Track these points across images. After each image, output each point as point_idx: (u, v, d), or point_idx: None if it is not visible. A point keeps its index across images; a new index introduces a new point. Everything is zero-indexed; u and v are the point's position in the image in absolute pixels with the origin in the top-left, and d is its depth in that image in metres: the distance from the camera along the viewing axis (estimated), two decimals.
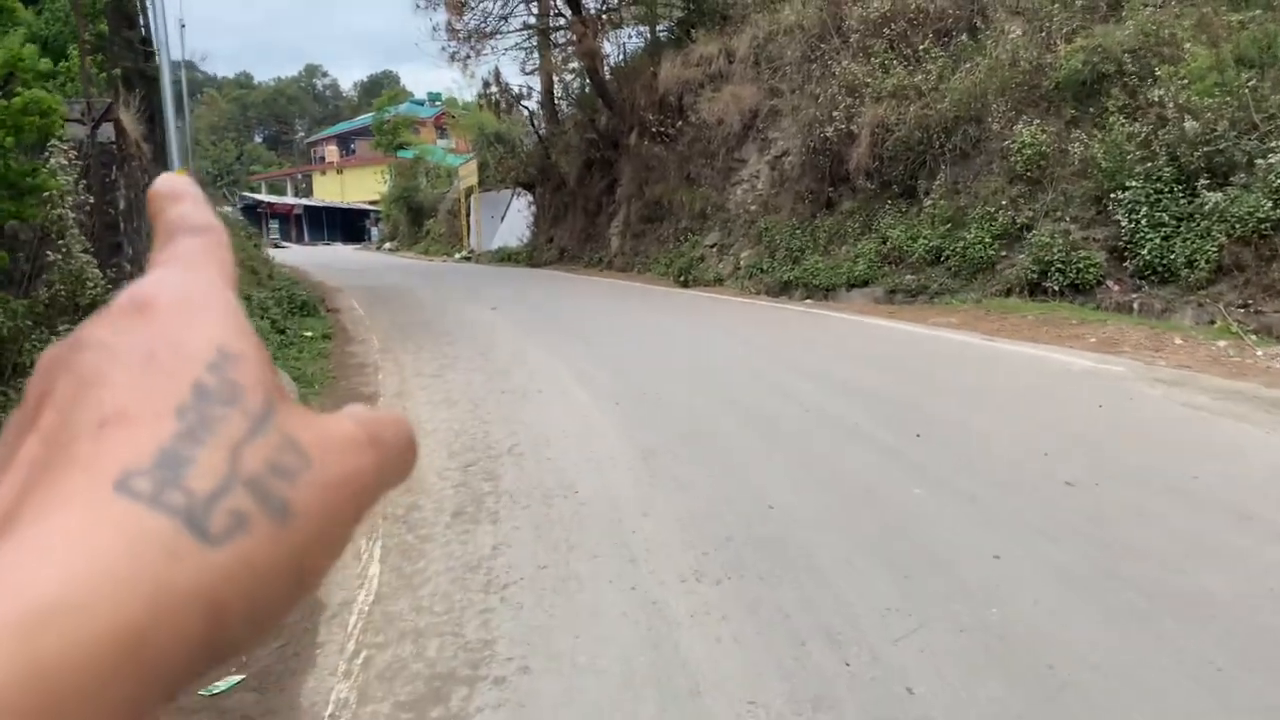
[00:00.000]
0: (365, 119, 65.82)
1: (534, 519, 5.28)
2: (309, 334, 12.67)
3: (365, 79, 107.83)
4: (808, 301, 14.26)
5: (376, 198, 56.21)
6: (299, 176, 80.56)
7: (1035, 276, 11.83)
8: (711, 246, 18.40)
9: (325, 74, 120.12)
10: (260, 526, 0.25)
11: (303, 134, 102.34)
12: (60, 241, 6.98)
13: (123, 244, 8.76)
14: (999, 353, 9.09)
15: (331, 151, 78.77)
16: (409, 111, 61.59)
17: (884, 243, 13.86)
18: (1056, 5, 13.58)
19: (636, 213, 21.81)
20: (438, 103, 61.91)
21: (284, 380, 0.36)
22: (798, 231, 15.68)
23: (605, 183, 23.93)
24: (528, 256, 28.19)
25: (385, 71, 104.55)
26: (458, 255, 37.33)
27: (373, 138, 60.05)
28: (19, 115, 6.01)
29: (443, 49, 23.03)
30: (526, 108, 26.01)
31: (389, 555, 4.92)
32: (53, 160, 7.03)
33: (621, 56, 24.28)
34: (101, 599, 0.22)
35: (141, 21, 15.39)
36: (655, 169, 21.13)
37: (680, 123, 20.02)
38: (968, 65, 13.97)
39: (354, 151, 74.41)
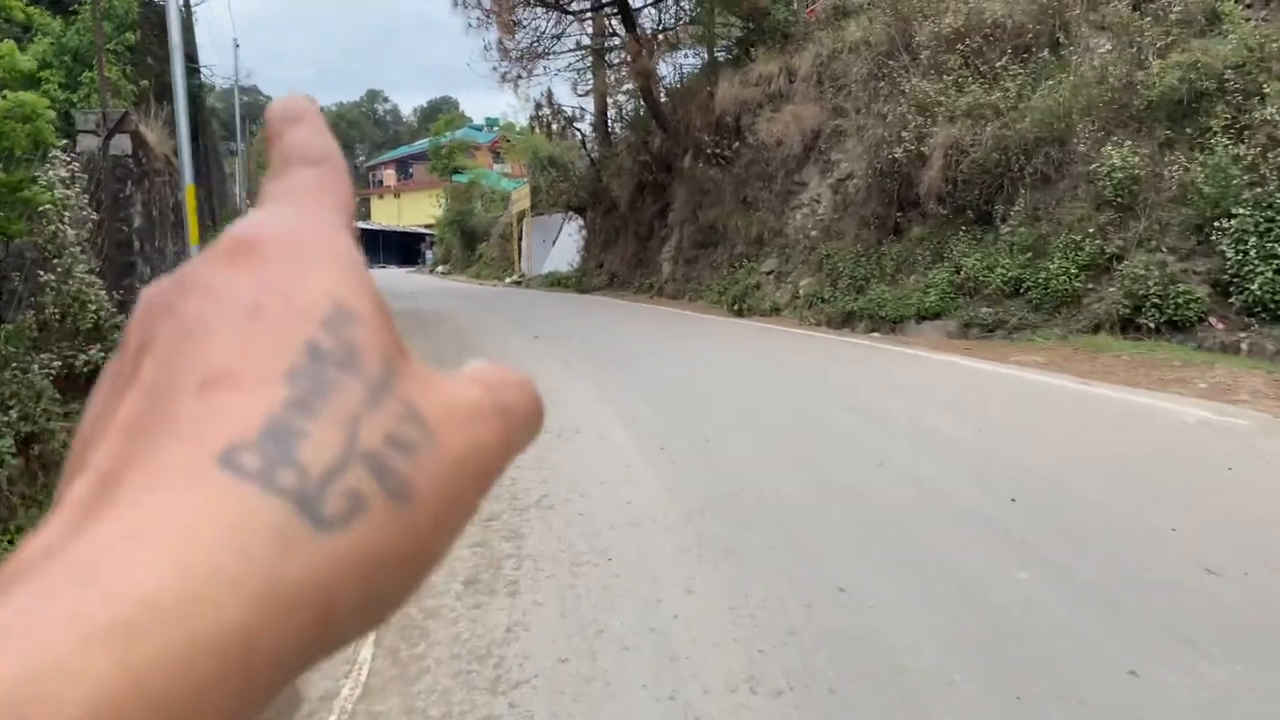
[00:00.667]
0: (423, 144, 66.20)
1: (558, 592, 4.46)
2: None
3: (425, 104, 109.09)
4: (874, 335, 13.27)
5: (432, 221, 56.30)
6: (357, 200, 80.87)
7: (1127, 312, 10.75)
8: (768, 274, 17.51)
9: (386, 99, 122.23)
10: (378, 509, 0.23)
11: (363, 158, 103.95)
12: (56, 261, 6.36)
13: (136, 264, 8.16)
14: (1096, 399, 8.04)
15: (389, 175, 79.59)
16: (466, 137, 61.78)
17: (957, 272, 12.86)
18: (1148, 19, 12.53)
19: (689, 238, 21.00)
20: (495, 128, 62.13)
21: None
22: (862, 259, 14.73)
23: (657, 206, 23.19)
24: (577, 282, 27.54)
25: (444, 97, 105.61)
26: (508, 279, 36.89)
27: (429, 162, 60.28)
28: (1, 121, 5.39)
29: (494, 69, 22.55)
30: (579, 130, 25.47)
31: (386, 633, 4.12)
32: (52, 172, 6.42)
33: (677, 77, 23.63)
34: (206, 598, 0.20)
35: (169, 37, 15.05)
36: (710, 192, 20.33)
37: (737, 144, 19.22)
38: (1050, 83, 12.96)
39: (411, 176, 75.03)
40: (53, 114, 5.93)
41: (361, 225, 70.82)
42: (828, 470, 6.18)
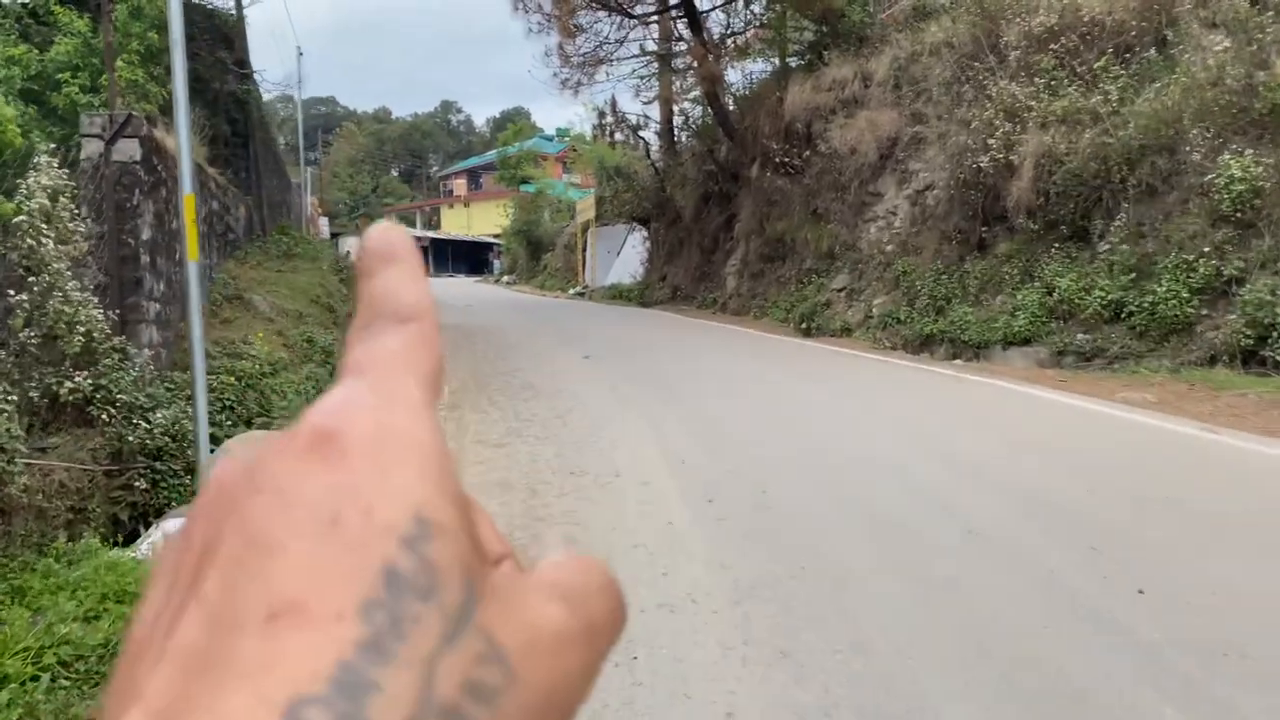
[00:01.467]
0: (494, 154, 66.25)
1: None
2: None
3: (497, 114, 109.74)
4: (956, 362, 12.09)
5: (500, 231, 56.17)
6: (428, 209, 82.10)
7: (1250, 343, 9.46)
8: (839, 290, 16.41)
9: (460, 110, 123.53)
10: None
11: (436, 168, 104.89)
12: (33, 279, 5.68)
13: (143, 280, 7.50)
14: (1227, 451, 6.84)
15: (460, 185, 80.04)
16: (536, 147, 61.59)
17: (1049, 293, 11.63)
18: (1269, 15, 11.18)
19: (756, 251, 19.98)
20: (565, 138, 61.93)
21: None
22: (943, 277, 13.55)
23: (723, 218, 22.22)
24: (639, 295, 26.69)
25: (517, 107, 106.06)
26: (571, 291, 36.25)
27: (497, 171, 60.19)
28: None
29: (554, 74, 21.88)
30: (643, 138, 24.67)
31: None
32: (33, 179, 5.75)
33: (746, 83, 22.65)
34: None
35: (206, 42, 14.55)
36: (778, 203, 19.30)
37: (808, 153, 18.16)
38: (1156, 85, 11.68)
39: (481, 186, 75.31)
40: (10, 113, 5.23)
41: (431, 235, 71.53)
42: (909, 542, 5.16)
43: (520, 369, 11.92)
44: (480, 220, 69.46)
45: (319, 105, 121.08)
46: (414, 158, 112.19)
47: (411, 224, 78.96)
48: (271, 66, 31.07)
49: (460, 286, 44.41)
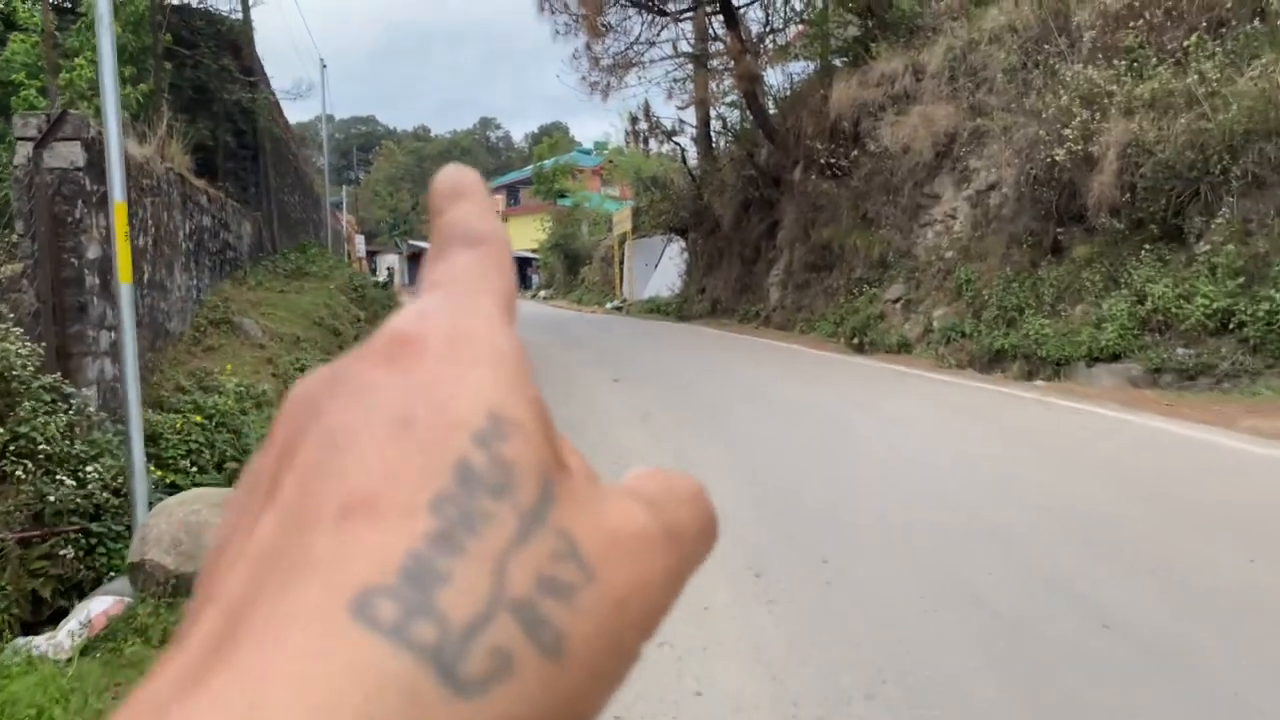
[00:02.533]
0: (531, 169, 65.56)
1: None
2: None
3: (535, 129, 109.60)
4: (1036, 383, 10.64)
5: (537, 245, 55.34)
6: None
7: None
8: (894, 302, 15.02)
9: (498, 126, 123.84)
10: (528, 668, 0.20)
11: None
12: None
13: (88, 306, 6.42)
14: None
15: (498, 201, 79.49)
16: (573, 160, 60.75)
17: (1140, 302, 10.18)
18: None
19: (800, 260, 18.64)
20: (602, 152, 61.13)
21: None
22: (1013, 285, 12.12)
23: (764, 226, 20.91)
24: (678, 309, 25.46)
25: (555, 122, 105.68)
26: (609, 305, 35.13)
27: (534, 185, 59.41)
28: None
29: (582, 78, 20.76)
30: (678, 144, 23.43)
31: None
32: None
33: (787, 83, 21.35)
34: None
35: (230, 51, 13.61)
36: (824, 209, 17.96)
37: (856, 153, 16.82)
38: (1261, 61, 10.21)
39: (519, 201, 74.85)
40: None
41: None
42: (1023, 640, 3.84)
43: (546, 394, 10.71)
44: (518, 235, 68.69)
45: (359, 124, 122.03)
46: None
47: None
48: (291, 80, 30.28)
49: None
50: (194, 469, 7.03)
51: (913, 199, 15.64)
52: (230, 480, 7.05)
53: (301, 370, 9.61)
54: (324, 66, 29.82)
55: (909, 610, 4.20)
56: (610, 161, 47.30)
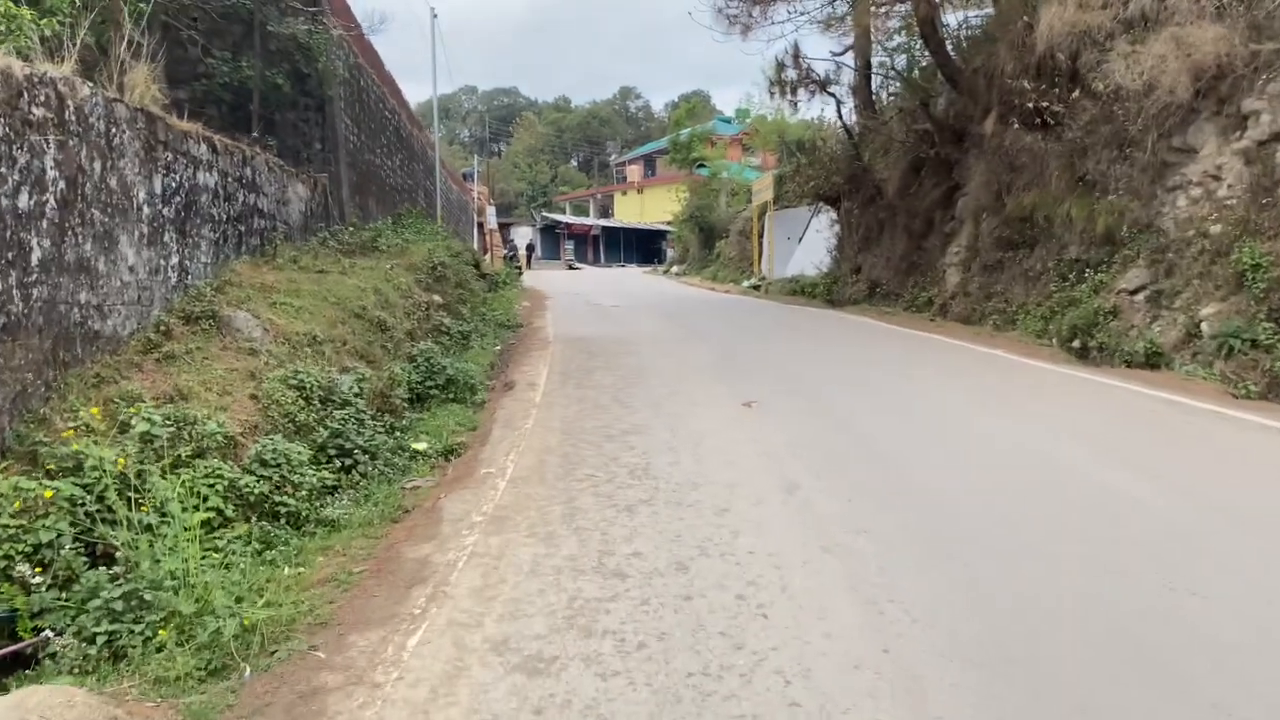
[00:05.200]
0: (668, 139, 62.33)
1: None
2: (421, 445, 7.22)
3: (676, 99, 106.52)
4: None
5: (672, 217, 52.14)
6: (600, 196, 79.52)
7: None
8: (1132, 293, 11.05)
9: (638, 96, 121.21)
10: None
11: (614, 155, 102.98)
12: None
13: None
14: None
15: (634, 171, 77.09)
16: (713, 128, 57.06)
17: None
18: None
19: (990, 234, 14.72)
20: (745, 120, 57.50)
21: None
22: None
23: (940, 192, 17.00)
24: (826, 290, 21.75)
25: (696, 91, 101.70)
26: (745, 283, 31.61)
27: (670, 154, 56.08)
28: None
29: (719, 10, 17.27)
30: (833, 94, 19.68)
31: None
32: None
33: (973, 19, 17.23)
34: None
35: None
36: (1024, 169, 14.01)
37: (1074, 95, 12.81)
38: None
39: (655, 172, 71.91)
40: None
41: (602, 223, 68.66)
42: None
43: (641, 426, 7.48)
44: (653, 207, 65.89)
45: (501, 96, 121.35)
46: (592, 146, 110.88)
47: (585, 212, 76.32)
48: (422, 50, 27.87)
49: (623, 279, 40.61)
50: (40, 585, 4.21)
51: (1157, 154, 11.56)
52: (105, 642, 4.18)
53: (300, 389, 6.72)
54: (434, 15, 27.27)
55: None
56: (754, 129, 43.58)
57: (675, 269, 46.29)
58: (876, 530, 4.86)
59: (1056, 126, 13.36)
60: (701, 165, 49.28)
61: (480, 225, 48.19)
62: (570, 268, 55.77)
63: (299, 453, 5.95)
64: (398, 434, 7.51)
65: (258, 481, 5.48)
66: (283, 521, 5.48)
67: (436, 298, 12.31)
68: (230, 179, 9.04)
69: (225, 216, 8.86)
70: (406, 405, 8.16)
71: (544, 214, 71.23)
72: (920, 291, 16.92)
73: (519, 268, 38.43)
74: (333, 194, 13.11)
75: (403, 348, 9.20)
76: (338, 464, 6.39)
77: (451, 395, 8.84)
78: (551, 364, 11.07)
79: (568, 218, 69.59)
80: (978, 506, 5.23)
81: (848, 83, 20.25)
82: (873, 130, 20.17)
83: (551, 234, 65.96)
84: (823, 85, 19.61)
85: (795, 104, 20.30)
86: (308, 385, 6.75)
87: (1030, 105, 13.10)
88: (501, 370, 11.04)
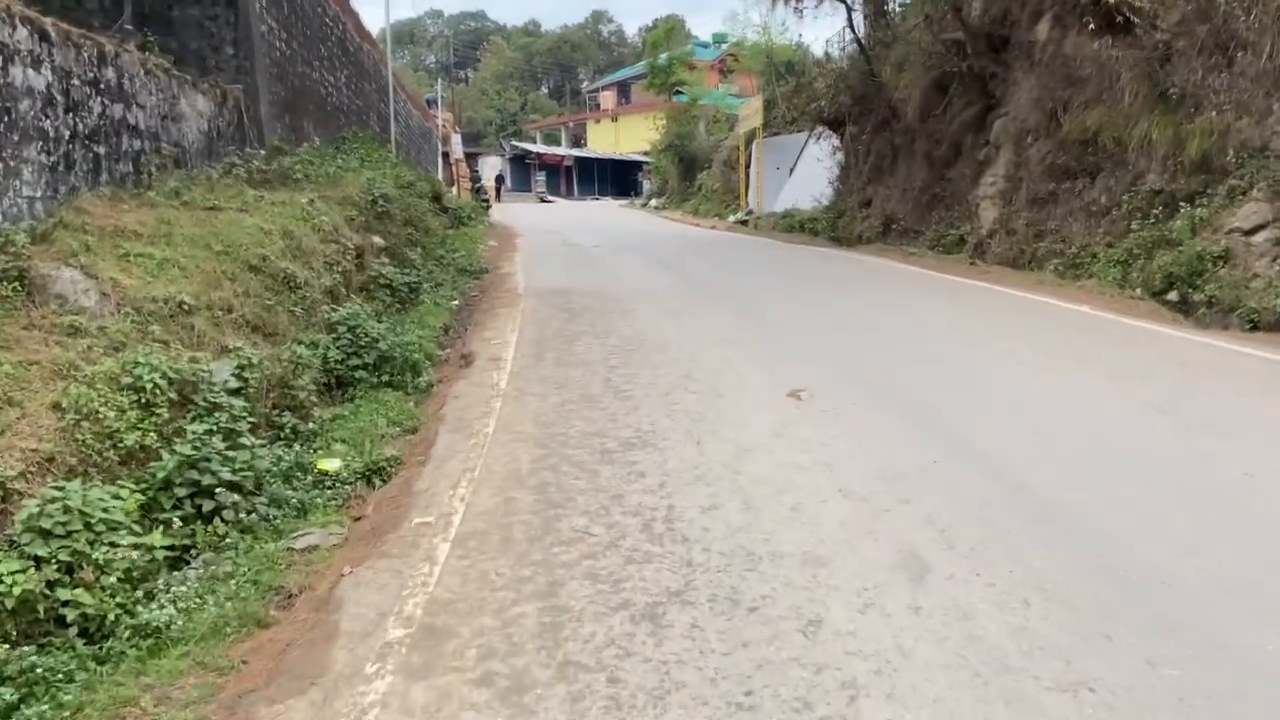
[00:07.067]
0: (644, 65, 59.04)
1: None
2: (331, 464, 4.97)
3: (650, 23, 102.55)
4: None
5: (649, 147, 49.32)
6: (573, 125, 76.21)
7: None
8: (1247, 233, 8.87)
9: (611, 20, 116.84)
10: None
11: (586, 82, 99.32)
12: None
13: None
14: None
15: (608, 99, 73.93)
16: (691, 53, 53.85)
17: None
18: None
19: (1040, 160, 12.43)
20: (721, 45, 54.42)
21: None
22: None
23: (972, 112, 14.65)
24: (829, 226, 19.43)
25: (671, 15, 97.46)
26: (731, 218, 29.24)
27: (647, 79, 52.96)
28: None
29: None
30: (843, 1, 17.06)
31: None
32: None
33: None
34: None
35: None
36: (1085, 82, 11.71)
37: None
38: None
39: (630, 100, 68.73)
40: None
41: (575, 153, 65.51)
42: None
43: (649, 433, 5.25)
44: (629, 137, 62.92)
45: (468, 20, 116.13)
46: (563, 71, 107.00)
47: (556, 141, 72.92)
48: None
49: (599, 213, 38.01)
50: None
51: (1275, 60, 9.32)
52: None
53: (137, 390, 4.43)
54: None
55: None
56: (735, 53, 40.71)
57: (654, 202, 43.71)
58: (1126, 690, 2.71)
59: (1124, 32, 11.05)
60: (679, 92, 46.40)
61: (445, 155, 45.21)
62: (542, 200, 52.93)
63: (115, 504, 3.70)
64: (299, 444, 5.25)
65: (24, 571, 3.25)
66: (71, 636, 3.27)
67: (377, 239, 9.90)
68: (77, 81, 6.56)
69: (69, 133, 6.42)
70: (317, 398, 5.88)
71: (514, 143, 67.95)
72: (947, 229, 14.67)
73: (486, 201, 35.77)
74: (249, 111, 10.59)
75: (319, 312, 6.86)
76: (190, 509, 4.15)
77: (386, 378, 6.55)
78: (522, 327, 8.74)
79: (539, 147, 66.38)
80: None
81: None
82: (887, 43, 17.68)
83: (521, 165, 62.89)
84: None
85: (800, 11, 17.74)
86: (150, 383, 4.44)
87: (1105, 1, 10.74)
88: (458, 335, 8.73)
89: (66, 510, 3.49)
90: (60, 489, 3.61)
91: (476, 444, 5.21)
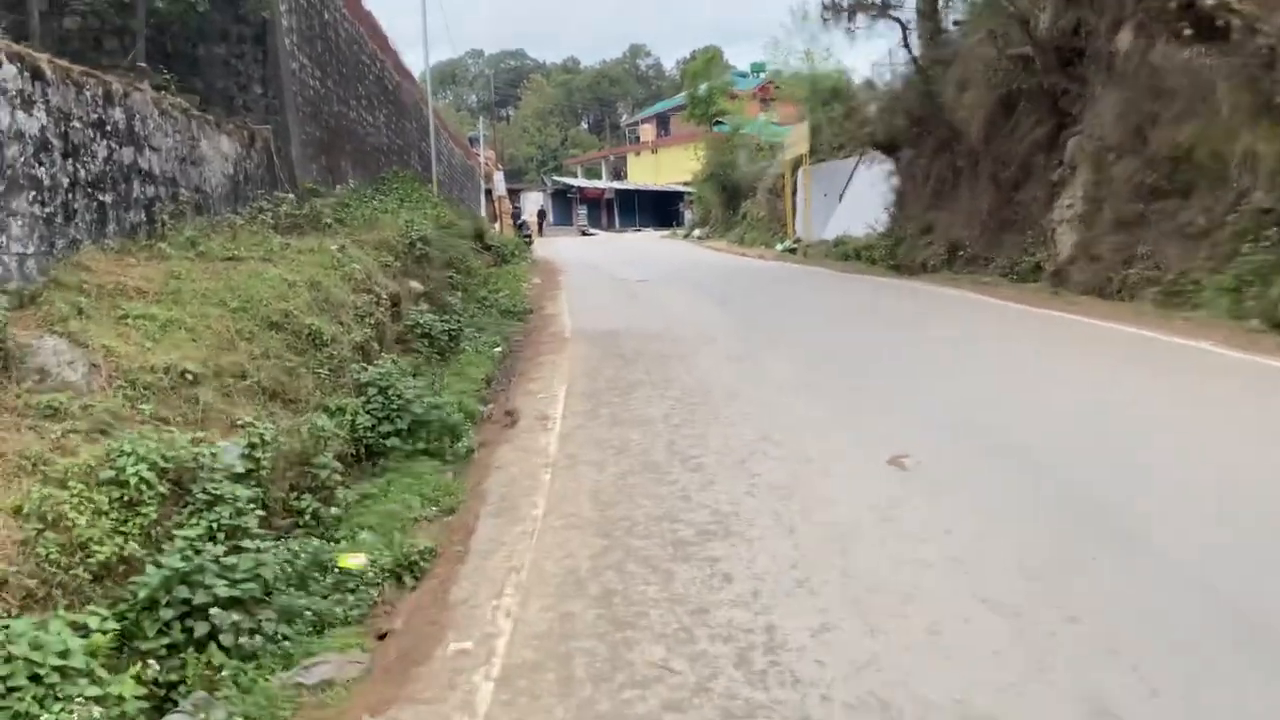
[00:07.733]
0: (682, 97, 58.89)
1: None
2: (355, 561, 4.17)
3: (688, 55, 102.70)
4: None
5: (690, 177, 48.84)
6: (613, 158, 76.22)
7: None
8: None
9: (649, 54, 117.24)
10: None
11: (625, 115, 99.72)
12: None
13: None
14: None
15: (647, 131, 73.98)
16: (732, 83, 53.42)
17: None
18: None
19: (1125, 180, 11.47)
20: (760, 74, 53.97)
21: None
22: None
23: (1043, 131, 13.71)
24: (888, 254, 18.51)
25: (710, 46, 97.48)
26: (779, 247, 28.43)
27: (686, 110, 52.61)
28: None
29: None
30: (898, 18, 16.29)
31: None
32: None
33: None
34: None
35: None
36: (1174, 95, 10.75)
37: None
38: None
39: (670, 131, 68.61)
40: None
41: (616, 185, 65.38)
42: None
43: (728, 516, 4.41)
44: (669, 168, 62.65)
45: (508, 59, 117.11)
46: (602, 106, 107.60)
47: (597, 175, 72.84)
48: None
49: (641, 244, 37.39)
50: None
51: None
52: None
53: (119, 485, 3.70)
54: None
55: None
56: (774, 84, 40.03)
57: (697, 232, 43.07)
58: None
59: (1223, 39, 10.09)
60: (720, 122, 45.84)
61: (488, 192, 45.14)
62: (584, 234, 52.70)
63: (77, 643, 2.94)
64: (320, 531, 4.50)
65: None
66: None
67: (415, 284, 9.25)
68: (78, 124, 5.95)
69: (68, 180, 5.80)
70: (343, 472, 5.12)
71: (555, 178, 68.04)
72: (1021, 255, 13.68)
73: (528, 237, 35.41)
74: (279, 152, 10.01)
75: (348, 371, 6.15)
76: (179, 634, 3.39)
77: (422, 445, 5.80)
78: (571, 376, 7.97)
79: (580, 181, 66.38)
80: None
81: (912, 4, 16.84)
82: (945, 62, 16.80)
83: (563, 199, 62.92)
84: (884, 8, 16.23)
85: (852, 31, 16.94)
86: (135, 476, 3.71)
87: (1203, 3, 9.82)
88: (502, 387, 7.99)
89: (8, 661, 2.75)
90: (5, 628, 2.86)
91: (524, 532, 4.42)
